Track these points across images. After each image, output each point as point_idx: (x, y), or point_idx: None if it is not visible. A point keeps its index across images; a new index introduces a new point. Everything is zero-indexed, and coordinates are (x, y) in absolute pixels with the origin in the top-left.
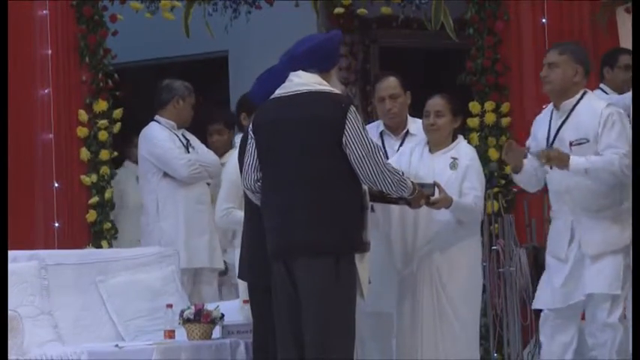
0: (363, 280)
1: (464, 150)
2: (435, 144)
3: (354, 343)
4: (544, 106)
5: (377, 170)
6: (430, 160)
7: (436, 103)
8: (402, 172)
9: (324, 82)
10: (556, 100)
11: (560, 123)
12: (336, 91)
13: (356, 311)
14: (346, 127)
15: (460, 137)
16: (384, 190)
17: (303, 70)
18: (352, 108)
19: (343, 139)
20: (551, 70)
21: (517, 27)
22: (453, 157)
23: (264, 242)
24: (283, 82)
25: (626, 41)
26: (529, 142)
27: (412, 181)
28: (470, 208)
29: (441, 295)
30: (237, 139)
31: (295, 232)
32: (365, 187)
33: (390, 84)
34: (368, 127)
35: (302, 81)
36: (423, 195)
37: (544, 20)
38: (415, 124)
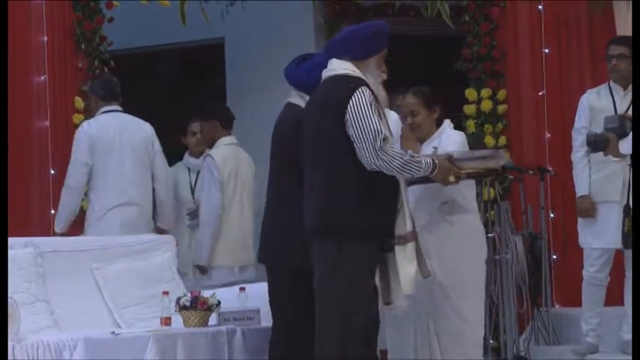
0: (400, 273)
1: (447, 137)
2: (420, 139)
3: (371, 334)
4: (540, 93)
5: (371, 153)
6: (420, 152)
7: (409, 103)
8: (410, 155)
9: (354, 68)
10: (625, 84)
11: (628, 103)
12: (356, 75)
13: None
14: (348, 106)
15: (445, 123)
16: (388, 173)
17: (337, 57)
18: (361, 89)
19: (346, 119)
20: (621, 61)
21: (513, 14)
22: (434, 147)
23: (289, 224)
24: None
25: (622, 28)
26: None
27: (433, 158)
28: None
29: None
30: None
31: (309, 214)
32: (398, 175)
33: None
34: None
35: (332, 67)
36: (450, 171)
37: (540, 7)
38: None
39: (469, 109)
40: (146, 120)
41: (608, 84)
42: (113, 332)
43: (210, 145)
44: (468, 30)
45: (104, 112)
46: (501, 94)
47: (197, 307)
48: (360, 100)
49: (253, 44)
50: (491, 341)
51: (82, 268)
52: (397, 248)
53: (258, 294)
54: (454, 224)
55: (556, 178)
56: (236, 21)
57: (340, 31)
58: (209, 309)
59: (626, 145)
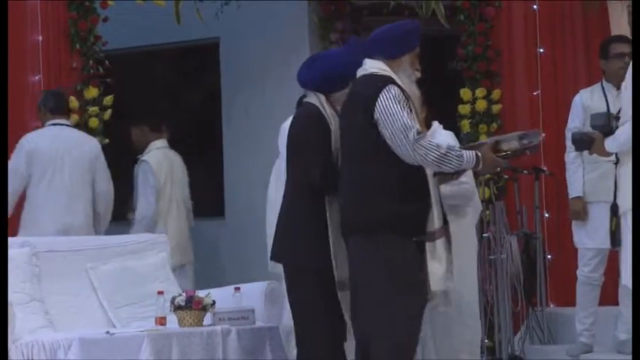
0: (430, 270)
1: (439, 137)
2: None
3: (403, 341)
4: (535, 93)
5: (406, 148)
6: None
7: None
8: (449, 147)
9: (386, 67)
10: (617, 84)
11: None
12: (385, 73)
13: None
14: (377, 104)
15: (434, 125)
16: (427, 167)
17: (370, 56)
18: (389, 87)
19: (375, 116)
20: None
21: (508, 13)
22: None
23: (310, 223)
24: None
25: (617, 27)
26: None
27: (476, 152)
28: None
29: None
30: None
31: (343, 210)
32: (428, 171)
33: None
34: None
35: (365, 67)
36: (495, 163)
37: (535, 6)
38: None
39: (464, 108)
40: (140, 120)
41: (601, 83)
42: (108, 332)
43: (142, 150)
44: (463, 29)
45: (51, 124)
46: (496, 93)
47: (192, 306)
48: (388, 98)
49: (248, 44)
50: (486, 341)
51: (77, 267)
52: (427, 245)
53: (253, 294)
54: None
55: (551, 177)
56: (231, 20)
57: (374, 31)
58: (204, 309)
59: (611, 143)
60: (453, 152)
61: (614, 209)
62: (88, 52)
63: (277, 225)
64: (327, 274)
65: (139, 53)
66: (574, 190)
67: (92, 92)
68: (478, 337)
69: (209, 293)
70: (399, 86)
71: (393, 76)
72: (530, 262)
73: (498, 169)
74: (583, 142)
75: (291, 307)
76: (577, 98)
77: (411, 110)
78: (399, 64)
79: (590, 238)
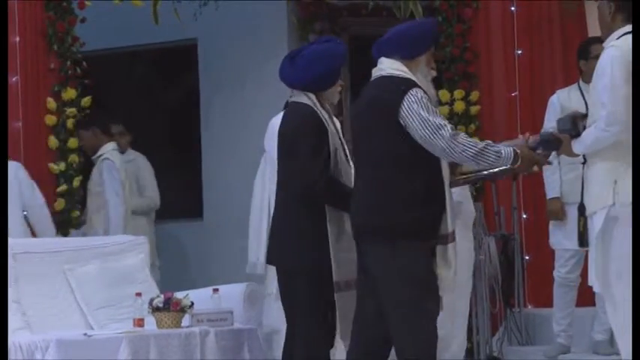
0: (439, 274)
1: None
2: None
3: (429, 342)
4: (512, 94)
5: (443, 145)
6: None
7: None
8: (487, 143)
9: (404, 68)
10: None
11: None
12: (407, 75)
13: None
14: (402, 108)
15: None
16: (466, 164)
17: (386, 56)
18: (413, 91)
19: (401, 120)
20: None
21: (486, 15)
22: None
23: (304, 224)
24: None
25: (594, 29)
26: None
27: (514, 149)
28: None
29: None
30: None
31: (356, 215)
32: (444, 173)
33: None
34: None
35: (381, 67)
36: (533, 161)
37: (513, 8)
38: None
39: (442, 110)
40: (118, 120)
41: (578, 84)
42: (86, 334)
43: (93, 153)
44: (441, 31)
45: None
46: (474, 95)
47: (170, 308)
48: (413, 101)
49: (226, 44)
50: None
51: (55, 269)
52: (437, 248)
53: (231, 295)
54: None
55: (528, 179)
56: (209, 21)
57: (392, 29)
58: (182, 310)
59: (578, 146)
60: (491, 148)
61: (582, 210)
62: (66, 53)
63: (271, 228)
64: (320, 277)
65: (117, 54)
66: (551, 190)
67: (70, 93)
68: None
69: (187, 295)
70: (420, 88)
71: (413, 77)
72: (508, 263)
73: (535, 167)
74: (551, 143)
75: (284, 310)
76: (554, 98)
77: (434, 111)
78: (416, 64)
79: (567, 239)
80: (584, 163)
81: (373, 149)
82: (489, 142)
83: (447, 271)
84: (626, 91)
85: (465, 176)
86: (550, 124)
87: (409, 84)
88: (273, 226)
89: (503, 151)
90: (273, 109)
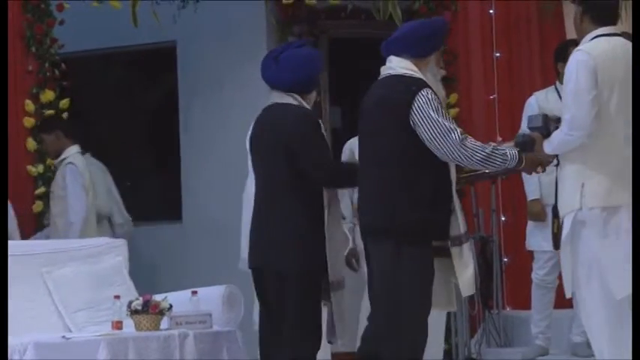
0: (459, 275)
1: None
2: None
3: (417, 345)
4: (491, 97)
5: (452, 149)
6: None
7: None
8: (494, 147)
9: (414, 68)
10: None
11: None
12: (417, 75)
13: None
14: (413, 108)
15: None
16: (473, 168)
17: (396, 54)
18: (424, 91)
19: (411, 121)
20: None
21: (464, 17)
22: None
23: (295, 226)
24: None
25: (572, 31)
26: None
27: (518, 150)
28: None
29: None
30: None
31: (364, 215)
32: (452, 175)
33: None
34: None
35: (391, 65)
36: (538, 162)
37: (491, 10)
38: None
39: None
40: (97, 123)
41: (555, 86)
42: (64, 336)
43: (56, 156)
44: None
45: None
46: (452, 97)
47: (149, 310)
48: (424, 102)
49: (205, 46)
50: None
51: (32, 271)
52: (452, 250)
53: (210, 298)
54: None
55: (507, 181)
56: (188, 23)
57: (400, 27)
58: (161, 313)
59: (548, 146)
60: (497, 151)
61: (555, 212)
62: (44, 55)
63: (258, 227)
64: (312, 278)
65: (95, 56)
66: (531, 192)
67: (48, 95)
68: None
69: (166, 297)
70: (430, 88)
71: (422, 77)
72: (487, 265)
73: (539, 168)
74: (526, 144)
75: (269, 311)
76: (532, 100)
77: (444, 112)
78: (426, 64)
79: (546, 241)
80: (557, 165)
81: (380, 149)
82: (495, 145)
83: (465, 271)
84: (591, 95)
85: (467, 175)
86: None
87: (420, 84)
88: (262, 226)
89: (508, 154)
90: (252, 110)
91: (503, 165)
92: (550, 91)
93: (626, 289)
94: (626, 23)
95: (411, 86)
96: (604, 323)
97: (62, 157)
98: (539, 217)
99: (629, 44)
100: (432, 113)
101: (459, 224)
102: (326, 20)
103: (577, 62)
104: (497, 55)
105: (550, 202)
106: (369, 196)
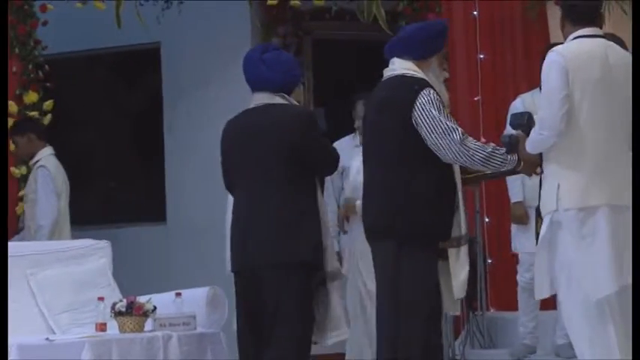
0: (454, 277)
1: None
2: None
3: (440, 346)
4: (475, 98)
5: (452, 149)
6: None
7: (359, 109)
8: (494, 147)
9: (416, 69)
10: None
11: None
12: (419, 75)
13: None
14: (415, 108)
15: None
16: (474, 168)
17: (398, 56)
18: (426, 91)
19: (413, 121)
20: None
21: (449, 19)
22: None
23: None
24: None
25: (555, 35)
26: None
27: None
28: None
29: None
30: None
31: (368, 215)
32: (456, 176)
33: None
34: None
35: (393, 67)
36: (536, 164)
37: (475, 12)
38: None
39: None
40: (81, 124)
41: (540, 88)
42: (47, 338)
43: (30, 159)
44: None
45: None
46: None
47: (133, 312)
48: (427, 101)
49: (189, 48)
50: None
51: (16, 273)
52: (450, 251)
53: (194, 299)
54: None
55: (491, 182)
56: (172, 24)
57: (402, 30)
58: (145, 314)
59: (528, 145)
60: (497, 152)
61: (538, 212)
62: (28, 57)
63: (253, 223)
64: (309, 271)
65: (79, 57)
66: (514, 195)
67: (32, 97)
68: None
69: (150, 299)
70: (433, 89)
71: (425, 77)
72: (471, 266)
73: (538, 169)
74: (512, 145)
75: (255, 312)
76: (517, 102)
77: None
78: (428, 65)
79: (531, 243)
80: (540, 166)
81: (384, 149)
82: (495, 145)
83: (461, 273)
84: (561, 95)
85: (472, 176)
86: None
87: (422, 84)
88: (254, 226)
89: (508, 156)
90: (236, 111)
91: (503, 165)
92: (536, 92)
93: (602, 290)
94: (608, 24)
95: (413, 86)
96: (584, 325)
97: (35, 159)
98: (522, 220)
99: (612, 45)
100: (433, 112)
101: (460, 225)
102: (310, 21)
103: (549, 63)
104: (482, 56)
105: (534, 204)
106: (372, 196)
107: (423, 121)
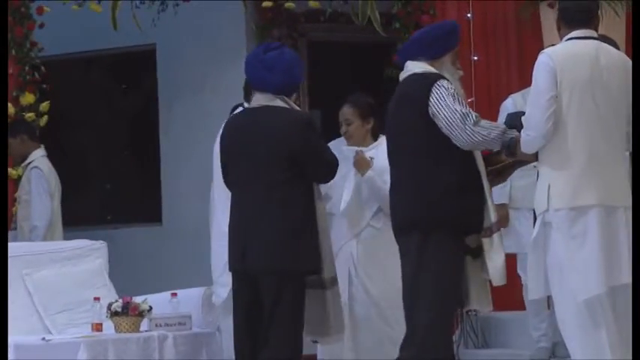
0: (489, 265)
1: (382, 150)
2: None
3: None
4: (469, 100)
5: (468, 132)
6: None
7: (344, 112)
8: (505, 127)
9: (430, 67)
10: None
11: None
12: (432, 71)
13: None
14: (431, 99)
15: (382, 138)
16: (491, 148)
17: (411, 59)
18: (440, 82)
19: (430, 112)
20: None
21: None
22: (370, 157)
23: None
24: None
25: (549, 36)
26: None
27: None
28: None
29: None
30: None
31: (396, 210)
32: (479, 165)
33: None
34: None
35: (408, 68)
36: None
37: (469, 15)
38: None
39: None
40: (77, 126)
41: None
42: (44, 338)
43: (22, 160)
44: (399, 37)
45: None
46: None
47: (128, 312)
48: (441, 91)
49: (185, 49)
50: None
51: (13, 274)
52: (484, 241)
53: (190, 300)
54: (383, 231)
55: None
56: (167, 27)
57: (412, 35)
58: (140, 314)
59: (521, 145)
60: (509, 132)
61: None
62: (24, 58)
63: (249, 229)
64: (307, 276)
65: (75, 59)
66: (500, 196)
67: (28, 98)
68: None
69: (146, 299)
70: (446, 79)
71: (439, 73)
72: None
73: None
74: (511, 148)
75: (251, 314)
76: (508, 102)
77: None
78: (441, 64)
79: (511, 243)
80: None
81: (405, 145)
82: (504, 127)
83: (496, 261)
84: (548, 96)
85: (493, 167)
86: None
87: (436, 77)
88: (253, 228)
89: (513, 134)
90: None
91: (512, 145)
92: (527, 92)
93: (590, 290)
94: (600, 26)
95: (427, 79)
96: (576, 324)
97: (28, 160)
98: (503, 222)
99: (604, 47)
100: (448, 101)
101: (490, 215)
102: (305, 23)
103: (538, 64)
104: (475, 58)
105: (521, 205)
106: (399, 190)
107: (439, 111)
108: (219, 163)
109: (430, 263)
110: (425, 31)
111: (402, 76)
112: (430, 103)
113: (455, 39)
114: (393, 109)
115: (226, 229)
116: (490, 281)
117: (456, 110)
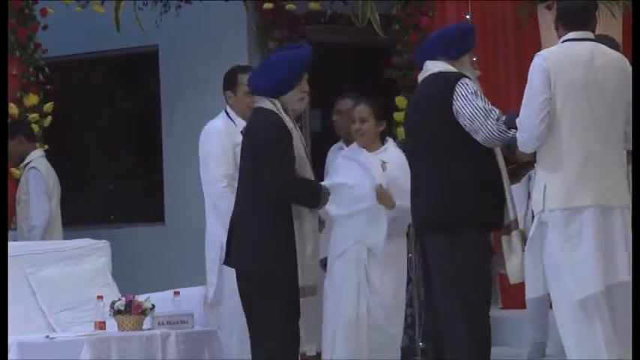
0: (507, 262)
1: (392, 154)
2: (364, 146)
3: (480, 335)
4: None
5: (493, 129)
6: (366, 158)
7: (361, 110)
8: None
9: (451, 68)
10: None
11: None
12: (453, 70)
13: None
14: (454, 98)
15: (390, 141)
16: (512, 145)
17: (431, 58)
18: (462, 81)
19: (454, 111)
20: None
21: (442, 23)
22: (382, 160)
23: (278, 229)
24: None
25: (546, 38)
26: None
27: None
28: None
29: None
30: None
31: (419, 211)
32: (500, 163)
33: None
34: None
35: (428, 68)
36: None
37: (468, 16)
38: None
39: (399, 115)
40: (80, 126)
41: None
42: (47, 336)
43: (21, 161)
44: (398, 39)
45: None
46: None
47: (131, 311)
48: (463, 90)
49: (187, 51)
50: (420, 344)
51: (17, 272)
52: (503, 238)
53: (192, 298)
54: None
55: None
56: (170, 28)
57: (430, 36)
58: (143, 313)
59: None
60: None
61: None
62: (28, 60)
63: (236, 229)
64: (291, 281)
65: (79, 60)
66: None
67: (32, 99)
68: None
69: (148, 297)
70: (468, 78)
71: (459, 71)
72: None
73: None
74: (510, 146)
75: (253, 316)
76: None
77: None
78: (460, 64)
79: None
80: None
81: (428, 144)
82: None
83: (516, 259)
84: (541, 98)
85: (513, 166)
86: None
87: (457, 75)
88: (239, 228)
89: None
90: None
91: (512, 144)
92: None
93: (585, 289)
94: (597, 27)
95: (449, 78)
96: (572, 323)
97: (26, 161)
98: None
99: (600, 48)
100: (470, 99)
101: (509, 212)
102: (305, 25)
103: (532, 66)
104: (474, 59)
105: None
106: (421, 191)
107: (464, 109)
108: (218, 163)
109: (467, 262)
110: (443, 31)
111: (422, 76)
112: (454, 101)
113: (472, 39)
114: (414, 109)
115: (216, 231)
116: (496, 278)
117: (480, 107)
